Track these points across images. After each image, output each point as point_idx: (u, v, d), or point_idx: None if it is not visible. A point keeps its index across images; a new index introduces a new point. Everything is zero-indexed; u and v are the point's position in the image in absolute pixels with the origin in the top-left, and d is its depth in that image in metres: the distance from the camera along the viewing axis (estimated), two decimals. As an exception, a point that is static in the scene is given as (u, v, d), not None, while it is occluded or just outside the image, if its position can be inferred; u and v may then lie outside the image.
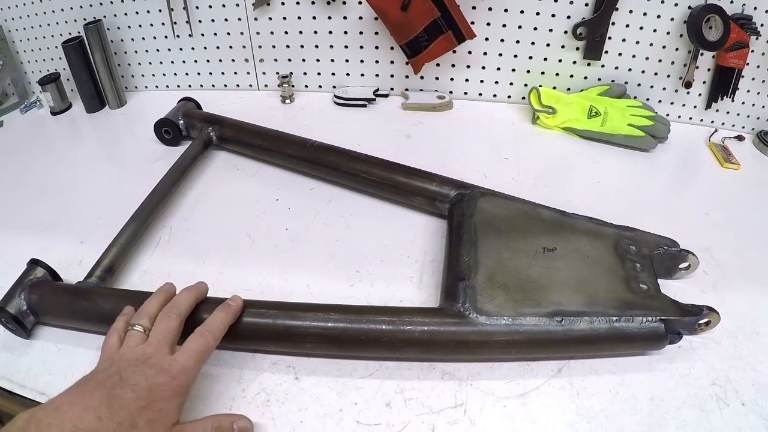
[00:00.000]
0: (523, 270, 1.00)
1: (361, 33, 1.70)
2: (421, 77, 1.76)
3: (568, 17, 1.57)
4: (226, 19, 1.74)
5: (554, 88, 1.69)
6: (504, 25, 1.61)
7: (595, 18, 1.54)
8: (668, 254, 1.07)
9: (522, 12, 1.58)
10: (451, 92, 1.78)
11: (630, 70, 1.63)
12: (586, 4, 1.54)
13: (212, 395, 0.92)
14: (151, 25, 1.78)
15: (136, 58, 1.87)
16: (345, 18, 1.67)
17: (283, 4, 1.67)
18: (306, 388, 0.93)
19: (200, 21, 1.75)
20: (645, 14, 1.53)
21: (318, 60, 1.79)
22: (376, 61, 1.76)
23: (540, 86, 1.65)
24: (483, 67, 1.71)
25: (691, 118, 1.68)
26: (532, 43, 1.63)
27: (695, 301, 0.97)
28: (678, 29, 1.53)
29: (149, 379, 0.77)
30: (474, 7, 1.58)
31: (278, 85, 1.80)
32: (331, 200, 1.35)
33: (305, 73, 1.83)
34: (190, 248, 1.23)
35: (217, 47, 1.81)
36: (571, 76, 1.68)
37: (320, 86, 1.85)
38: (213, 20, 1.74)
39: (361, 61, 1.76)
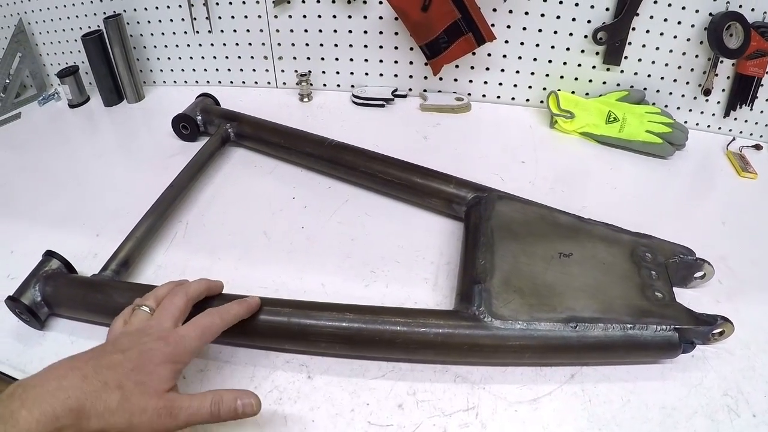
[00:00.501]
0: (539, 275, 0.99)
1: (380, 33, 1.70)
2: (440, 78, 1.75)
3: (589, 21, 1.56)
4: (246, 16, 1.74)
5: (573, 92, 1.68)
6: (524, 28, 1.61)
7: (615, 23, 1.53)
8: (684, 263, 1.07)
9: (542, 15, 1.57)
10: (469, 94, 1.78)
11: (649, 76, 1.62)
12: (607, 9, 1.53)
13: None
14: (171, 20, 1.78)
15: (155, 53, 1.87)
16: (365, 17, 1.67)
17: (303, 2, 1.67)
18: (318, 387, 0.93)
19: (220, 17, 1.75)
20: (666, 20, 1.52)
21: (337, 59, 1.79)
22: (395, 62, 1.76)
23: (559, 90, 1.64)
24: (502, 70, 1.71)
25: (709, 126, 1.66)
26: (552, 47, 1.63)
27: (709, 310, 0.96)
28: (698, 36, 1.52)
29: (144, 344, 0.77)
30: (494, 9, 1.57)
31: (296, 84, 1.80)
32: (348, 200, 1.35)
33: (324, 72, 1.83)
34: (206, 244, 1.23)
35: (237, 44, 1.81)
36: (590, 80, 1.67)
37: (338, 85, 1.85)
38: (233, 17, 1.74)
39: (380, 60, 1.76)
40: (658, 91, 1.64)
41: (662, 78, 1.62)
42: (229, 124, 1.53)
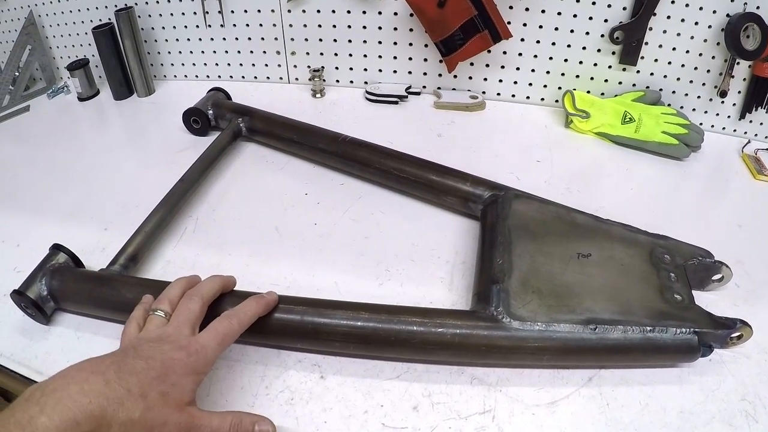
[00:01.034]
0: (557, 275, 0.98)
1: (395, 29, 1.69)
2: (455, 76, 1.75)
3: (606, 21, 1.55)
4: (258, 10, 1.73)
5: (588, 92, 1.67)
6: (540, 27, 1.60)
7: (632, 22, 1.52)
8: (702, 265, 1.05)
9: (559, 14, 1.56)
10: (484, 92, 1.77)
11: (665, 76, 1.61)
12: (624, 8, 1.52)
13: (234, 390, 0.91)
14: (183, 13, 1.78)
15: (167, 46, 1.87)
16: (380, 13, 1.66)
17: (316, -4, 1.67)
18: (331, 388, 0.92)
19: (232, 11, 1.75)
20: (683, 20, 1.51)
21: (350, 55, 1.78)
22: (410, 58, 1.75)
23: (574, 89, 1.63)
24: (517, 68, 1.70)
25: (724, 128, 1.65)
26: (568, 46, 1.62)
27: (726, 313, 0.95)
28: (715, 37, 1.51)
29: (164, 353, 0.75)
30: (511, 7, 1.56)
31: (309, 79, 1.79)
32: (362, 196, 1.34)
33: (337, 68, 1.82)
34: (216, 240, 1.22)
35: (249, 38, 1.80)
36: (606, 80, 1.66)
37: (351, 81, 1.85)
38: (245, 11, 1.74)
39: (394, 57, 1.75)
40: (674, 92, 1.63)
41: (678, 79, 1.61)
42: (240, 119, 1.53)
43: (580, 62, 1.64)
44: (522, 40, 1.63)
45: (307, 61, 1.82)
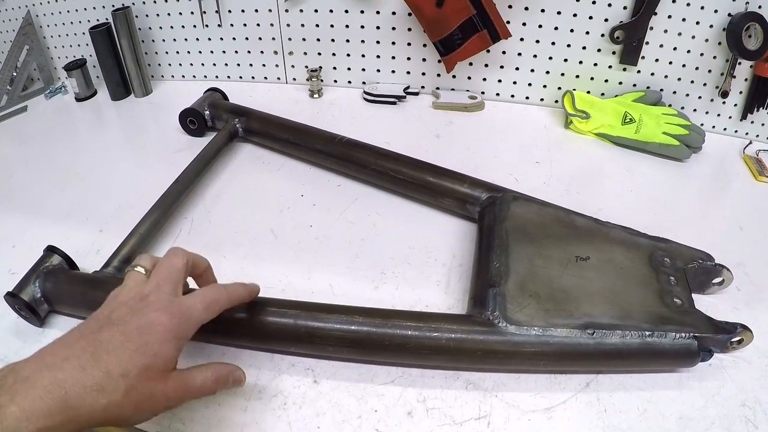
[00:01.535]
0: (555, 279, 0.97)
1: (393, 28, 1.68)
2: (453, 76, 1.74)
3: (606, 20, 1.54)
4: (256, 10, 1.73)
5: (588, 92, 1.66)
6: (540, 26, 1.59)
7: (633, 22, 1.51)
8: (702, 268, 1.04)
9: (559, 13, 1.55)
10: (483, 92, 1.76)
11: (666, 77, 1.60)
12: (625, 8, 1.51)
13: (226, 394, 0.90)
14: (180, 13, 1.77)
15: (164, 46, 1.87)
16: (378, 12, 1.66)
17: (314, -5, 1.66)
18: (325, 393, 0.91)
19: (230, 11, 1.74)
20: (684, 20, 1.50)
21: (348, 55, 1.78)
22: (408, 58, 1.74)
23: (574, 90, 1.62)
24: (517, 68, 1.69)
25: (725, 129, 1.64)
26: (568, 46, 1.61)
27: (727, 317, 0.94)
28: (716, 37, 1.50)
29: (143, 316, 0.72)
30: (510, 6, 1.55)
31: (307, 79, 1.79)
32: (358, 198, 1.33)
33: (335, 68, 1.82)
34: (211, 241, 1.22)
35: (246, 38, 1.80)
36: (606, 80, 1.65)
37: (349, 81, 1.84)
38: (243, 11, 1.73)
39: (393, 57, 1.75)
40: (674, 92, 1.62)
41: (679, 79, 1.60)
42: (237, 120, 1.52)
43: (580, 62, 1.63)
44: (521, 39, 1.62)
45: (305, 61, 1.81)
